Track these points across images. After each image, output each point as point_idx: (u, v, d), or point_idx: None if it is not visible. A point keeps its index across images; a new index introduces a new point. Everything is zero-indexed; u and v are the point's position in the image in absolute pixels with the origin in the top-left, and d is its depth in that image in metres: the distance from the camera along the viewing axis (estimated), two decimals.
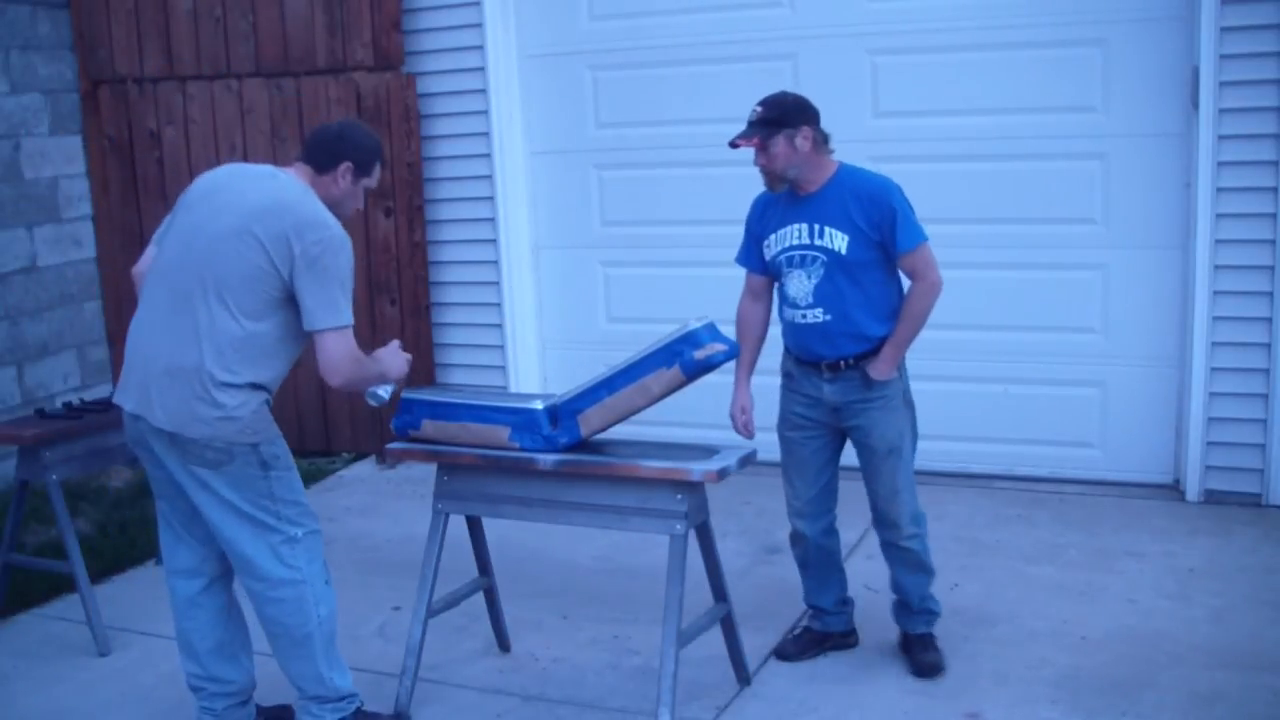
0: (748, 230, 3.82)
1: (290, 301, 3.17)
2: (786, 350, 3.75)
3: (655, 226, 5.97)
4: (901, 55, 5.39)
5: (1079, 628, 4.02)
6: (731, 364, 3.40)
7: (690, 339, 3.32)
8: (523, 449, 3.46)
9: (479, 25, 5.91)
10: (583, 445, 3.47)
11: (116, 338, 6.67)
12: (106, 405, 4.55)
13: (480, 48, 5.93)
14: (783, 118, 3.55)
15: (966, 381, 5.51)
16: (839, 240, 3.53)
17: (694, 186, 5.85)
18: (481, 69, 5.95)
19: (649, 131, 5.88)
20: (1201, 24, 4.82)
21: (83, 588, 4.19)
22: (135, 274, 3.46)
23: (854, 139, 5.50)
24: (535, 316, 6.25)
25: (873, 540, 4.87)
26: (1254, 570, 4.45)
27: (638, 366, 3.37)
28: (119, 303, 6.64)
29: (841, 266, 3.54)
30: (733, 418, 3.83)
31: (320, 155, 3.32)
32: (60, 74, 6.43)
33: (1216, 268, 4.97)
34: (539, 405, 3.48)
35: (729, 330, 3.42)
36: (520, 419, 3.46)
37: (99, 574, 4.70)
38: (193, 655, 3.40)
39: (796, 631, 4.01)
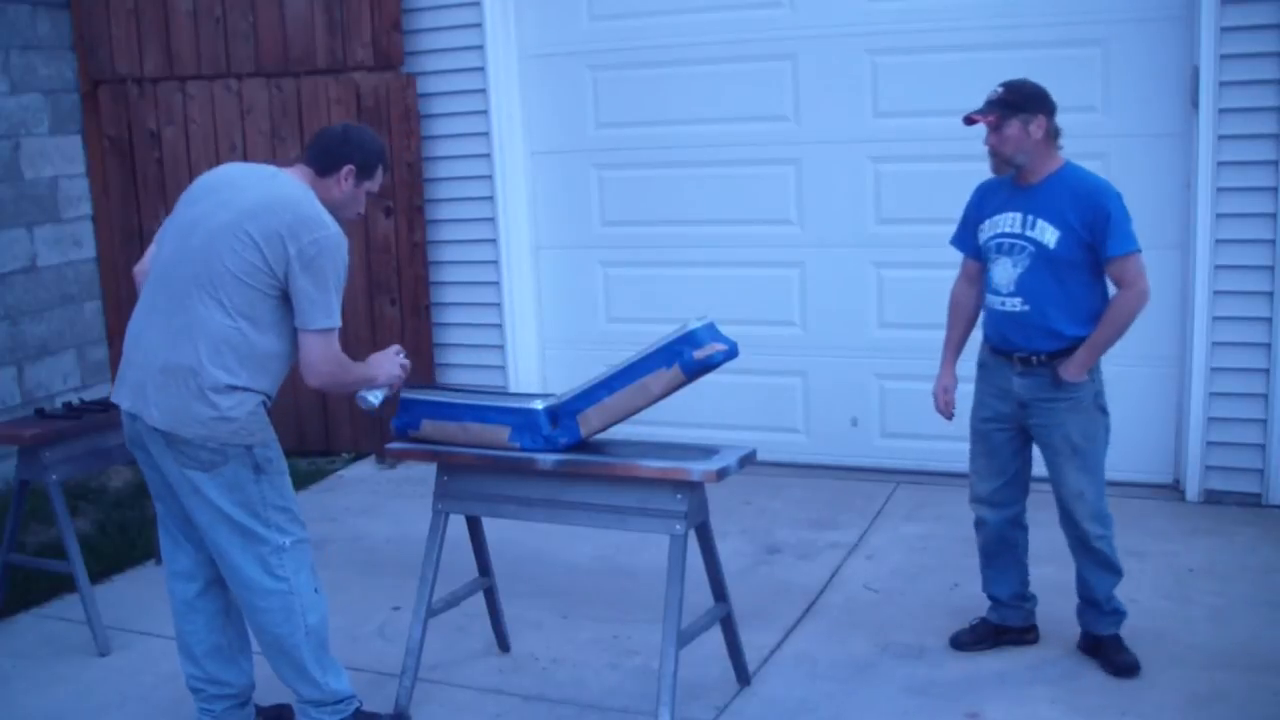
0: (965, 214, 3.86)
1: (287, 300, 3.15)
2: (984, 339, 3.81)
3: (655, 226, 5.97)
4: (901, 55, 5.38)
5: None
6: (732, 364, 3.38)
7: (690, 339, 3.31)
8: (523, 449, 3.45)
9: (479, 25, 5.91)
10: (582, 445, 3.47)
11: (116, 337, 6.66)
12: (106, 405, 4.55)
13: (480, 48, 5.93)
14: (1021, 102, 3.58)
15: (967, 381, 5.48)
16: (1049, 234, 3.56)
17: (694, 186, 5.86)
18: (481, 69, 5.94)
19: (649, 131, 5.88)
20: (1201, 24, 4.82)
21: (83, 588, 4.19)
22: (136, 273, 3.44)
23: (854, 139, 5.54)
24: (535, 316, 6.25)
25: (873, 540, 4.91)
26: (1254, 570, 4.45)
27: (637, 366, 3.37)
28: (119, 303, 6.65)
29: (1047, 261, 3.57)
30: (935, 396, 3.91)
31: (322, 157, 3.28)
32: (60, 74, 6.43)
33: (1217, 268, 4.97)
34: (539, 405, 3.48)
35: (729, 330, 3.41)
36: (520, 419, 3.46)
37: (99, 574, 4.70)
38: (191, 657, 3.40)
39: (973, 621, 3.98)
